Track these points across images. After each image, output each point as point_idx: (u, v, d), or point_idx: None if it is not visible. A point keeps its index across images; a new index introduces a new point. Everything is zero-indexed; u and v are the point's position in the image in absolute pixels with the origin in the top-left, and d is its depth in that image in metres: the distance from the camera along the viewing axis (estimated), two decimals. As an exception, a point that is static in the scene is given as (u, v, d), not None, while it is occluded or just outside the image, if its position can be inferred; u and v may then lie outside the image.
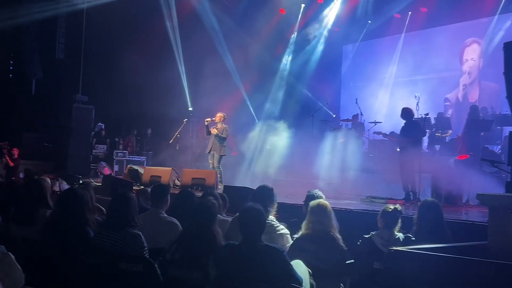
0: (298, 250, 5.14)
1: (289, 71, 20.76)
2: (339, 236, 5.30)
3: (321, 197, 6.12)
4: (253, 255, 4.20)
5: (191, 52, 18.82)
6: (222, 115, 13.44)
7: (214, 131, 13.21)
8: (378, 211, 6.50)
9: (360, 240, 5.89)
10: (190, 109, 18.99)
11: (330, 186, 13.31)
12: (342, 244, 5.27)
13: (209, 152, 13.43)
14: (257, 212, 4.44)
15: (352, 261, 5.40)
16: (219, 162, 13.26)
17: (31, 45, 17.64)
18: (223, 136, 13.21)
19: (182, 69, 19.10)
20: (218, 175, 13.00)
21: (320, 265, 4.98)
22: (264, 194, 5.86)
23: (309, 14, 20.13)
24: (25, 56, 17.65)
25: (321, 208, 5.37)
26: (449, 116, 14.48)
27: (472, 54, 17.15)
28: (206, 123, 13.42)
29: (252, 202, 4.73)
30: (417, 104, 13.82)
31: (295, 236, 5.48)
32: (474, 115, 12.96)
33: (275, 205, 5.98)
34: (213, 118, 13.40)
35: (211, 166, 13.43)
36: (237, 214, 5.48)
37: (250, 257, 4.20)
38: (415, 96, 14.98)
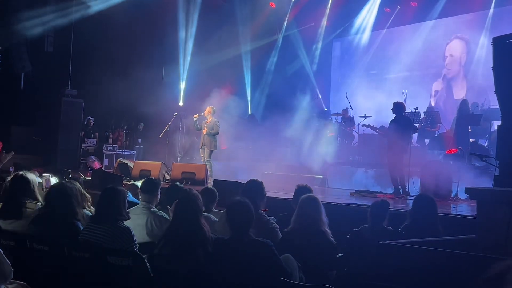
0: (287, 244, 5.15)
1: (279, 65, 20.75)
2: (328, 231, 5.31)
3: (310, 191, 6.13)
4: (242, 250, 4.21)
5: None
6: (211, 109, 13.39)
7: (205, 131, 13.19)
8: (368, 205, 6.52)
9: (349, 234, 5.92)
10: (181, 104, 18.94)
11: (320, 180, 13.37)
12: (331, 239, 5.28)
13: (201, 147, 13.42)
14: (245, 206, 4.44)
15: (341, 255, 5.43)
16: (210, 156, 13.22)
17: (19, 38, 17.49)
18: (214, 131, 13.18)
19: (184, 64, 19.10)
20: (209, 169, 12.98)
21: (309, 259, 4.99)
22: (254, 188, 5.87)
23: (299, 8, 20.11)
24: (13, 49, 17.49)
25: (310, 202, 5.36)
26: (438, 110, 14.51)
27: (460, 49, 17.20)
28: (194, 119, 13.38)
29: (240, 197, 4.73)
30: (405, 100, 13.86)
31: (285, 230, 5.50)
32: (464, 110, 13.03)
33: (265, 199, 5.99)
34: (202, 113, 13.38)
35: (202, 160, 13.41)
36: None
37: (239, 251, 4.21)
38: (403, 93, 15.03)
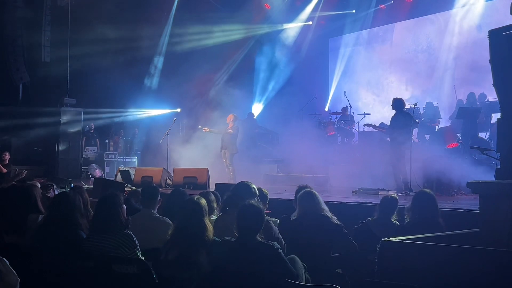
0: (291, 231, 5.34)
1: (275, 65, 20.73)
2: (332, 215, 5.47)
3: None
4: (249, 252, 4.19)
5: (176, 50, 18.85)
6: (232, 116, 13.85)
7: (230, 126, 13.64)
8: (370, 203, 6.54)
9: (356, 226, 5.97)
10: (178, 110, 18.92)
11: (321, 179, 13.36)
12: (336, 222, 5.38)
13: (221, 151, 13.78)
14: (257, 211, 4.41)
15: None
16: (231, 160, 13.60)
17: (16, 50, 17.51)
18: (232, 132, 13.58)
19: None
20: (231, 173, 13.37)
21: (317, 241, 5.19)
22: (243, 190, 5.83)
23: (294, 7, 20.11)
24: (10, 60, 17.51)
25: (308, 195, 5.60)
26: (437, 105, 14.48)
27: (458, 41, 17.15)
28: (204, 131, 13.91)
29: (254, 200, 4.70)
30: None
31: (290, 219, 5.65)
32: (471, 102, 13.06)
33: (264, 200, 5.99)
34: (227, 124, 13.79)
35: (225, 165, 13.74)
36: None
37: (245, 254, 4.19)
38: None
